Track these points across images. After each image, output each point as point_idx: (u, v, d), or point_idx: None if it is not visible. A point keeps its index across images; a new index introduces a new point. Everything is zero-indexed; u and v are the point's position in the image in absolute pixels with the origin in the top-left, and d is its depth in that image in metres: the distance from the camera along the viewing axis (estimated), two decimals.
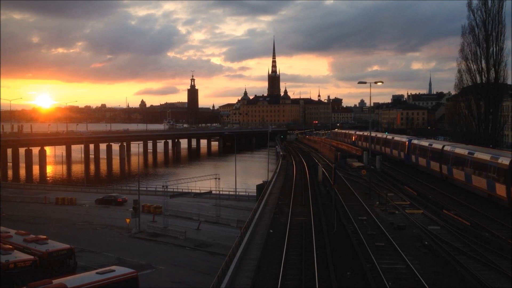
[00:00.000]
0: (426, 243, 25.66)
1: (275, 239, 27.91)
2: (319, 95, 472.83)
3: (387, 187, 46.31)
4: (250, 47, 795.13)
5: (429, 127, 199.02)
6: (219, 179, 54.34)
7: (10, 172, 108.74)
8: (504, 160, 32.40)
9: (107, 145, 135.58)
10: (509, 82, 67.10)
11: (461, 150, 41.31)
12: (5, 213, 50.11)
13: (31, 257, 26.92)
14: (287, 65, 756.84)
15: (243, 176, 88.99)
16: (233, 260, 22.63)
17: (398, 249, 24.46)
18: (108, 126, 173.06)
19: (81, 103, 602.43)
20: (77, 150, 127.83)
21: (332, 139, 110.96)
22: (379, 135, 79.79)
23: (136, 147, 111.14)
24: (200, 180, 55.22)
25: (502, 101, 62.78)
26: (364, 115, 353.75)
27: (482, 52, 59.06)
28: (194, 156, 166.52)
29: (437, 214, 34.02)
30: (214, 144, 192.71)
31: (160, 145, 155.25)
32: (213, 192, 57.54)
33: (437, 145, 48.93)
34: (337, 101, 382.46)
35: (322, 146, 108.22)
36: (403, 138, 63.70)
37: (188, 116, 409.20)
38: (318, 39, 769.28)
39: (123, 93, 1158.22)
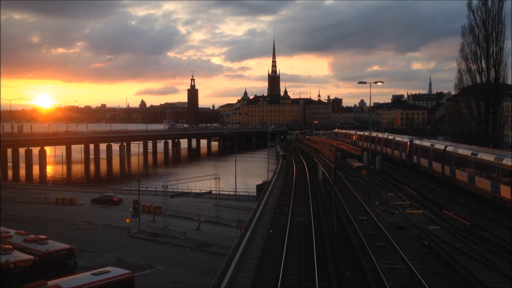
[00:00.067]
0: (426, 243, 25.66)
1: (275, 239, 27.91)
2: (319, 95, 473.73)
3: (387, 187, 46.28)
4: (250, 47, 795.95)
5: (429, 127, 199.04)
6: (219, 179, 54.31)
7: (10, 172, 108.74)
8: (509, 161, 31.71)
9: (107, 145, 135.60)
10: (509, 82, 67.20)
11: (464, 150, 40.66)
12: (5, 213, 50.11)
13: (31, 257, 26.93)
14: (287, 65, 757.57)
15: (243, 176, 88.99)
16: (233, 260, 22.63)
17: (398, 249, 24.45)
18: (108, 126, 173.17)
19: (81, 103, 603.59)
20: (77, 150, 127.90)
21: (332, 139, 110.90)
22: (380, 135, 79.17)
23: (136, 147, 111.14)
24: (200, 180, 55.20)
25: (502, 101, 62.78)
26: (364, 115, 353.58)
27: (482, 52, 59.14)
28: (194, 156, 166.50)
29: (437, 214, 34.00)
30: (214, 144, 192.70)
31: (160, 145, 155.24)
32: (213, 192, 57.52)
33: (439, 145, 48.19)
34: (337, 101, 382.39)
35: (322, 146, 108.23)
36: (405, 139, 62.88)
37: (188, 116, 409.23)
38: (318, 39, 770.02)
39: (123, 93, 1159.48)
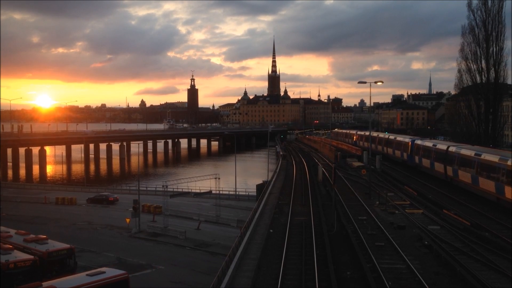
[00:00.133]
0: (426, 243, 25.65)
1: (275, 239, 27.91)
2: (319, 95, 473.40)
3: (387, 187, 46.25)
4: (250, 47, 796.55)
5: (429, 127, 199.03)
6: (219, 179, 54.28)
7: (10, 172, 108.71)
8: None
9: (107, 145, 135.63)
10: (509, 82, 67.21)
11: (467, 151, 39.90)
12: (5, 213, 50.09)
13: (31, 257, 26.94)
14: (287, 65, 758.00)
15: (243, 176, 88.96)
16: (233, 260, 22.63)
17: (398, 249, 24.45)
18: (108, 126, 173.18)
19: (81, 103, 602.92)
20: (77, 150, 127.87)
21: (333, 139, 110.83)
22: (381, 135, 78.63)
23: (136, 147, 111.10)
24: (200, 180, 55.15)
25: (502, 101, 62.78)
26: (364, 115, 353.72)
27: (482, 52, 59.15)
28: (194, 156, 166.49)
29: (437, 214, 33.97)
30: (214, 144, 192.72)
31: (160, 145, 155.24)
32: (213, 192, 57.51)
33: (442, 145, 47.44)
34: (337, 101, 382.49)
35: (322, 146, 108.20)
36: (406, 139, 62.08)
37: (188, 116, 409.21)
38: (318, 39, 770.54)
39: (123, 93, 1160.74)
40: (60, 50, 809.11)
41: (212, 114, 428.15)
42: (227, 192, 64.60)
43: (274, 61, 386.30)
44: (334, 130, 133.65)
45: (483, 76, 59.43)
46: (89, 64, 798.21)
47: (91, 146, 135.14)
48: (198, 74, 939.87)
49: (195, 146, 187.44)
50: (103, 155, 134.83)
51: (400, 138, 65.26)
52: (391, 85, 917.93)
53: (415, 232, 28.56)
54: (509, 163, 31.59)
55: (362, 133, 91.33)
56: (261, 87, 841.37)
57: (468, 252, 24.06)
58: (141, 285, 29.11)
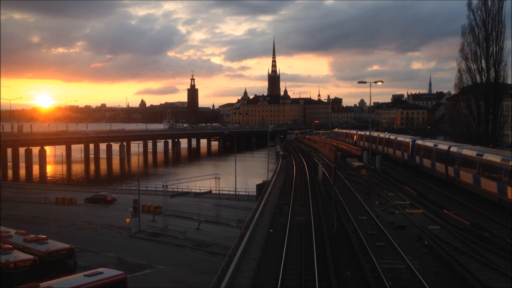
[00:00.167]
0: (426, 243, 25.65)
1: (275, 239, 27.90)
2: (319, 95, 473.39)
3: (387, 187, 46.25)
4: (250, 47, 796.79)
5: (429, 127, 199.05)
6: (219, 178, 54.30)
7: (10, 172, 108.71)
8: None
9: (107, 145, 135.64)
10: (509, 82, 67.16)
11: (468, 151, 39.43)
12: (5, 213, 50.09)
13: (31, 257, 26.96)
14: (287, 65, 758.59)
15: (243, 176, 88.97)
16: (233, 260, 22.62)
17: (398, 249, 24.44)
18: (108, 126, 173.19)
19: (81, 103, 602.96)
20: (77, 150, 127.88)
21: (333, 139, 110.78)
22: (382, 135, 78.24)
23: (136, 147, 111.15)
24: (200, 180, 55.18)
25: (502, 101, 62.70)
26: (364, 115, 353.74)
27: (482, 51, 59.13)
28: (194, 156, 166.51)
29: (437, 214, 33.96)
30: (214, 144, 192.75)
31: (160, 145, 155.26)
32: (213, 191, 57.53)
33: (443, 145, 46.98)
34: (337, 100, 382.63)
35: (322, 146, 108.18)
36: (407, 139, 61.57)
37: (188, 116, 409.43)
38: (318, 39, 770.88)
39: (123, 93, 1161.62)
40: (60, 50, 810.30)
41: (212, 114, 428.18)
42: (227, 192, 64.60)
43: (274, 61, 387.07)
44: (334, 130, 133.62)
45: (483, 76, 59.44)
46: (89, 64, 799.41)
47: (91, 146, 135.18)
48: (198, 74, 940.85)
49: (195, 146, 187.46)
50: (103, 155, 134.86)
51: (400, 138, 64.80)
52: (391, 85, 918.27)
53: (415, 232, 28.56)
54: (511, 163, 31.23)
55: (363, 133, 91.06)
56: (261, 87, 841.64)
57: (468, 252, 24.05)
58: (141, 285, 29.11)
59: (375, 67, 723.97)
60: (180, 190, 59.08)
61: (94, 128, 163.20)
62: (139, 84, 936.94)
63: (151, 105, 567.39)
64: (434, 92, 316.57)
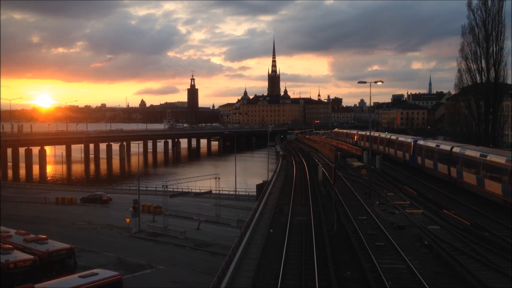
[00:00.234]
0: (426, 243, 25.65)
1: (275, 239, 27.90)
2: (319, 95, 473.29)
3: (387, 187, 46.25)
4: (250, 47, 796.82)
5: (429, 127, 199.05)
6: (219, 178, 54.30)
7: (10, 172, 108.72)
8: None
9: (107, 145, 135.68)
10: (509, 82, 67.21)
11: (472, 152, 38.74)
12: (5, 213, 50.10)
13: (31, 257, 26.96)
14: (287, 65, 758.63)
15: (243, 176, 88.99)
16: (233, 260, 22.62)
17: (398, 249, 24.45)
18: (108, 126, 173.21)
19: (81, 103, 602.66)
20: (77, 150, 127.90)
21: (333, 139, 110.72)
22: (383, 135, 77.63)
23: (136, 147, 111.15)
24: (200, 180, 55.17)
25: (502, 101, 62.72)
26: (364, 115, 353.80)
27: (482, 51, 59.20)
28: (194, 156, 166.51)
29: (437, 214, 33.96)
30: (214, 144, 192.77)
31: (160, 144, 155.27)
32: (213, 191, 57.53)
33: (445, 146, 46.20)
34: (337, 100, 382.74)
35: (322, 145, 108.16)
36: (408, 139, 60.72)
37: (188, 116, 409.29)
38: (318, 39, 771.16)
39: (123, 93, 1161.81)
40: (60, 50, 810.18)
41: (212, 114, 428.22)
42: (227, 192, 64.60)
43: (274, 61, 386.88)
44: (334, 130, 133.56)
45: (483, 76, 59.50)
46: (89, 64, 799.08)
47: (91, 146, 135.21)
48: (198, 74, 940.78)
49: (195, 146, 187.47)
50: (103, 155, 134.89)
51: (402, 138, 64.02)
52: (391, 85, 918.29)
53: (415, 232, 28.56)
54: None
55: (363, 133, 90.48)
56: (261, 87, 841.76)
57: (468, 252, 24.05)
58: (141, 285, 29.13)
59: (375, 67, 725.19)
60: (180, 190, 59.07)
61: (93, 128, 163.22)
62: (139, 84, 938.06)
63: (151, 105, 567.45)
64: (434, 92, 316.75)
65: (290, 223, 31.77)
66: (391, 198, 39.69)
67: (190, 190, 58.97)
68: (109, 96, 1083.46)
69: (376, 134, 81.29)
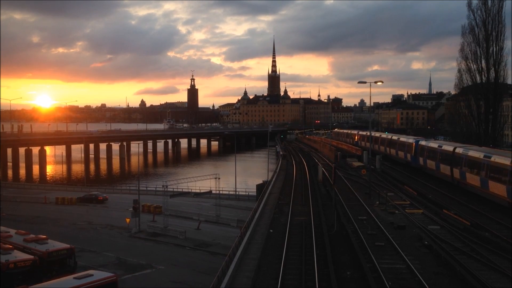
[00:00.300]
0: (426, 243, 25.65)
1: (275, 239, 27.90)
2: (319, 95, 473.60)
3: (387, 187, 46.24)
4: (250, 47, 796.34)
5: (429, 127, 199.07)
6: (219, 178, 54.31)
7: (10, 172, 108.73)
8: None
9: (107, 145, 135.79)
10: (509, 82, 67.19)
11: (475, 152, 37.99)
12: (5, 213, 50.13)
13: (31, 257, 26.96)
14: (287, 65, 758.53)
15: (243, 176, 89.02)
16: (233, 260, 22.62)
17: (398, 249, 24.44)
18: (108, 126, 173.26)
19: (81, 103, 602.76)
20: (77, 150, 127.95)
21: (333, 139, 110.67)
22: (384, 135, 76.96)
23: (136, 147, 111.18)
24: (200, 180, 55.20)
25: (502, 101, 62.65)
26: (364, 115, 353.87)
27: (482, 51, 59.16)
28: (194, 156, 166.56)
29: (437, 214, 33.94)
30: (214, 144, 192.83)
31: (160, 145, 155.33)
32: (213, 192, 57.55)
33: (448, 146, 45.36)
34: (337, 100, 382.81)
35: (322, 146, 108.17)
36: (410, 139, 59.62)
37: (188, 116, 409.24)
38: (318, 39, 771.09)
39: (123, 93, 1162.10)
40: (60, 50, 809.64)
41: (212, 114, 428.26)
42: (227, 192, 64.63)
43: (274, 61, 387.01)
44: (334, 130, 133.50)
45: (483, 76, 59.46)
46: (89, 64, 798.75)
47: (91, 146, 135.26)
48: (198, 74, 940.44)
49: (195, 146, 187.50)
50: (103, 155, 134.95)
51: (403, 138, 63.23)
52: (391, 85, 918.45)
53: (415, 232, 28.56)
54: None
55: (364, 133, 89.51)
56: (261, 87, 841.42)
57: (468, 252, 24.05)
58: (141, 285, 29.15)
59: (375, 67, 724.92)
60: (180, 190, 59.11)
61: (93, 128, 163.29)
62: (139, 84, 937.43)
63: (151, 105, 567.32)
64: (434, 92, 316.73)
65: (290, 223, 31.77)
66: (391, 198, 39.67)
67: (190, 190, 59.02)
68: (109, 96, 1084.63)
69: (377, 134, 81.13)
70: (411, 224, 30.70)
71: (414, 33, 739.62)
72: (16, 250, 27.88)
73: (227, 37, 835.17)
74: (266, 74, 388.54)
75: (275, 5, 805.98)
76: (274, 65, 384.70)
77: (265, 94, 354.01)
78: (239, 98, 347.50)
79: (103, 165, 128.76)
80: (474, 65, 59.74)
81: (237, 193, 65.97)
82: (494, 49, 58.35)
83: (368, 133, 62.05)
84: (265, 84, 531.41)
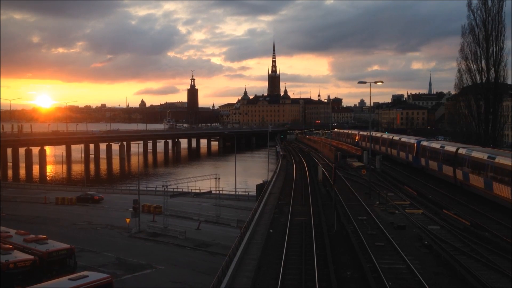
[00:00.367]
0: (426, 243, 25.65)
1: (275, 239, 27.90)
2: (319, 95, 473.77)
3: (387, 187, 46.23)
4: (250, 47, 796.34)
5: (429, 127, 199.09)
6: (219, 179, 54.31)
7: (10, 172, 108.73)
8: None
9: (107, 145, 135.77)
10: (509, 82, 67.14)
11: (479, 153, 37.34)
12: (5, 213, 50.13)
13: (31, 257, 26.97)
14: (287, 65, 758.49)
15: (243, 176, 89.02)
16: (233, 260, 22.62)
17: (398, 249, 24.45)
18: (108, 126, 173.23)
19: (81, 103, 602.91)
20: (77, 150, 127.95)
21: (333, 139, 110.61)
22: (385, 135, 76.53)
23: (136, 147, 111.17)
24: (200, 180, 55.22)
25: (502, 101, 62.67)
26: (364, 115, 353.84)
27: (482, 52, 59.16)
28: (194, 156, 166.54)
29: (437, 214, 33.94)
30: (214, 144, 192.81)
31: (160, 145, 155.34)
32: (213, 192, 57.54)
33: (450, 147, 44.65)
34: (337, 101, 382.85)
35: (322, 146, 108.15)
36: (411, 140, 59.08)
37: (188, 116, 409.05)
38: (318, 39, 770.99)
39: (123, 93, 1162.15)
40: (60, 50, 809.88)
41: (212, 114, 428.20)
42: (227, 192, 64.62)
43: (274, 61, 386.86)
44: (335, 130, 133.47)
45: (483, 76, 59.46)
46: (89, 64, 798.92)
47: (91, 146, 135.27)
48: (198, 74, 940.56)
49: (195, 146, 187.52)
50: (103, 155, 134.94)
51: (405, 139, 62.65)
52: (391, 85, 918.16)
53: (415, 232, 28.57)
54: None
55: (365, 133, 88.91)
56: (261, 87, 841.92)
57: (468, 252, 24.05)
58: (141, 285, 29.15)
59: (375, 67, 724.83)
60: (180, 190, 59.13)
61: (93, 128, 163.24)
62: (139, 84, 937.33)
63: (151, 105, 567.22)
64: (434, 92, 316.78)
65: (290, 223, 31.77)
66: (391, 198, 39.68)
67: (190, 190, 59.03)
68: (109, 96, 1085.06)
69: (378, 134, 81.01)
70: (411, 224, 30.70)
71: (414, 33, 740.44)
72: (16, 250, 27.89)
73: (227, 37, 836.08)
74: (266, 74, 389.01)
75: (275, 5, 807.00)
76: (274, 65, 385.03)
77: (265, 94, 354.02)
78: (239, 98, 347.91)
79: (103, 165, 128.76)
80: (474, 65, 59.79)
81: (237, 193, 65.96)
82: (494, 49, 58.40)
83: (369, 133, 61.90)
84: (265, 84, 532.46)
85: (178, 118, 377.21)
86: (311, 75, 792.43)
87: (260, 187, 54.58)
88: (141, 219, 44.95)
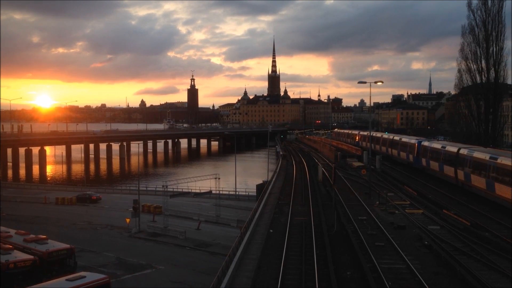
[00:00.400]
0: (426, 243, 25.65)
1: (275, 239, 27.90)
2: (319, 95, 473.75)
3: (387, 187, 46.23)
4: (250, 47, 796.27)
5: (429, 127, 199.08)
6: (219, 179, 54.31)
7: (10, 172, 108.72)
8: None
9: (107, 145, 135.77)
10: (509, 82, 67.18)
11: (480, 154, 36.95)
12: (5, 213, 50.14)
13: (31, 257, 26.98)
14: (287, 65, 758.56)
15: (243, 176, 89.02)
16: (233, 260, 22.62)
17: (398, 249, 24.44)
18: (108, 125, 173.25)
19: (81, 103, 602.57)
20: (77, 150, 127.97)
21: (333, 139, 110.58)
22: (385, 136, 76.10)
23: (136, 147, 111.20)
24: (200, 180, 55.21)
25: (502, 101, 62.67)
26: (364, 115, 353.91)
27: (482, 52, 59.18)
28: (194, 156, 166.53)
29: (437, 214, 33.93)
30: (214, 144, 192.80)
31: (160, 145, 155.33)
32: (213, 192, 57.53)
33: (452, 147, 44.23)
34: (337, 101, 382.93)
35: (322, 146, 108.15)
36: (412, 140, 58.62)
37: (188, 116, 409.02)
38: (318, 39, 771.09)
39: (123, 93, 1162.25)
40: (60, 50, 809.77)
41: (212, 114, 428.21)
42: (227, 192, 64.60)
43: (274, 61, 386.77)
44: (335, 130, 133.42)
45: (483, 76, 59.48)
46: (89, 64, 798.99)
47: (91, 146, 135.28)
48: (198, 74, 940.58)
49: (195, 146, 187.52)
50: (103, 155, 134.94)
51: (405, 139, 62.29)
52: (391, 85, 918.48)
53: (415, 232, 28.56)
54: None
55: (365, 133, 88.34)
56: (261, 87, 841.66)
57: (468, 252, 24.05)
58: (141, 285, 29.15)
59: (375, 67, 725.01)
60: (180, 190, 59.11)
61: (93, 128, 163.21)
62: (139, 84, 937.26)
63: (151, 105, 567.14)
64: (434, 92, 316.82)
65: (290, 223, 31.77)
66: (391, 198, 39.67)
67: (190, 190, 59.02)
68: (109, 96, 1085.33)
69: (378, 134, 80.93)
70: (411, 224, 30.70)
71: (414, 33, 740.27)
72: (16, 250, 27.91)
73: (227, 37, 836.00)
74: (266, 74, 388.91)
75: (275, 5, 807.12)
76: (274, 65, 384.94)
77: (265, 94, 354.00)
78: (239, 98, 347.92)
79: (103, 165, 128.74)
80: (474, 65, 59.82)
81: (237, 193, 65.96)
82: (494, 49, 58.43)
83: (369, 133, 61.86)
84: (265, 84, 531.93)
85: (178, 118, 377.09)
86: (311, 75, 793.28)
87: (260, 187, 54.57)
88: (141, 219, 44.96)
